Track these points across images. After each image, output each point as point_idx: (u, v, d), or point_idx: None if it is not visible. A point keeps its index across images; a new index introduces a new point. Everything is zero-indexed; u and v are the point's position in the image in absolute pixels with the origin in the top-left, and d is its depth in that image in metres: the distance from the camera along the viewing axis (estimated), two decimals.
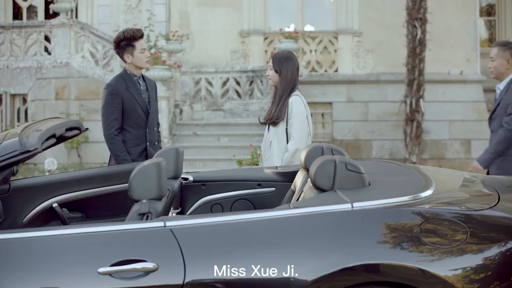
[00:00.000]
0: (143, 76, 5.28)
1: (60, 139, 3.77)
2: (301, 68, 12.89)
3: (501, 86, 5.32)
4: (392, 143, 14.30)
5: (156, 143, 5.27)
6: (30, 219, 3.97)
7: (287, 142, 4.79)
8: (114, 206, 4.13)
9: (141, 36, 5.13)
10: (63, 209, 4.03)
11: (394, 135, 14.23)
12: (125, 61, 5.17)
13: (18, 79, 13.01)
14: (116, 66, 13.18)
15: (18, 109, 13.36)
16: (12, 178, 4.01)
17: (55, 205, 4.01)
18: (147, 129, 5.17)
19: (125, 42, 5.09)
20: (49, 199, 4.02)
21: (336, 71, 14.63)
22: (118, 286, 2.77)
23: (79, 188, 4.08)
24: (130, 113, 5.09)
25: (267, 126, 4.94)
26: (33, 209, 3.99)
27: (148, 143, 5.17)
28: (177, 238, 2.85)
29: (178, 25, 14.68)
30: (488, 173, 5.09)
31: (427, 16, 12.91)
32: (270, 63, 4.88)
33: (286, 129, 4.81)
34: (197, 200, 4.17)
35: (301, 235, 2.89)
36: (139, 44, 5.09)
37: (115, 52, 5.26)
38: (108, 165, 5.26)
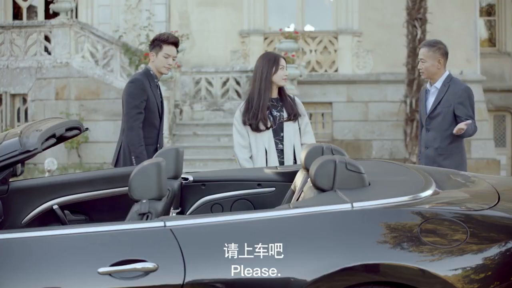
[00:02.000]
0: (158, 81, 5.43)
1: (60, 139, 3.75)
2: (301, 68, 12.92)
3: (437, 85, 5.36)
4: (392, 143, 14.30)
5: (162, 147, 5.35)
6: (29, 221, 3.91)
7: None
8: (117, 209, 4.07)
9: (173, 43, 5.23)
10: (65, 211, 3.98)
11: (394, 135, 14.23)
12: (150, 59, 5.34)
13: (18, 79, 13.01)
14: (116, 66, 13.18)
15: (18, 109, 13.36)
16: (14, 179, 3.99)
17: (55, 207, 3.97)
18: (160, 131, 5.30)
19: (157, 42, 5.24)
20: (49, 200, 3.97)
21: (336, 71, 14.63)
22: (118, 286, 2.77)
23: (80, 190, 4.03)
24: (148, 112, 5.20)
25: (275, 128, 4.96)
26: (32, 210, 3.94)
27: (158, 145, 5.28)
28: (177, 238, 2.85)
29: (178, 25, 14.68)
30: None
31: (427, 16, 12.92)
32: (285, 63, 5.01)
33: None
34: (197, 200, 4.16)
35: (301, 235, 2.89)
36: (167, 49, 5.19)
37: (149, 47, 5.41)
38: (115, 166, 5.27)
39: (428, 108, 5.39)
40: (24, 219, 3.91)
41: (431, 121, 5.35)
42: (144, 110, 5.16)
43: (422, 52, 5.35)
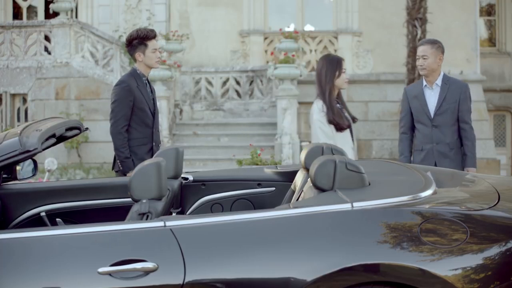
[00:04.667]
0: (147, 79, 5.38)
1: (60, 139, 3.74)
2: (301, 68, 12.92)
3: (438, 82, 5.50)
4: (392, 143, 14.30)
5: (159, 144, 5.39)
6: (14, 227, 3.83)
7: None
8: (111, 219, 3.96)
9: (154, 36, 5.25)
10: (57, 219, 3.89)
11: (394, 135, 14.22)
12: (135, 60, 5.28)
13: (18, 79, 13.00)
14: (116, 66, 13.18)
15: (18, 109, 13.35)
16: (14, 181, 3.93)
17: (42, 214, 3.89)
18: (153, 129, 5.29)
19: (138, 41, 5.20)
20: (37, 207, 3.89)
21: None
22: (118, 286, 2.77)
23: (70, 199, 3.95)
24: (139, 112, 5.20)
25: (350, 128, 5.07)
26: (20, 216, 3.86)
27: (154, 143, 5.28)
28: (177, 238, 2.85)
29: (178, 25, 14.67)
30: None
31: (427, 16, 12.92)
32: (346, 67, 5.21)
33: None
34: (197, 200, 4.17)
35: (301, 235, 2.89)
36: (151, 44, 5.21)
37: (127, 50, 5.35)
38: (113, 168, 5.27)
39: (432, 106, 5.48)
40: (10, 225, 3.83)
41: (437, 118, 5.47)
42: (132, 112, 5.15)
43: (424, 49, 5.45)
